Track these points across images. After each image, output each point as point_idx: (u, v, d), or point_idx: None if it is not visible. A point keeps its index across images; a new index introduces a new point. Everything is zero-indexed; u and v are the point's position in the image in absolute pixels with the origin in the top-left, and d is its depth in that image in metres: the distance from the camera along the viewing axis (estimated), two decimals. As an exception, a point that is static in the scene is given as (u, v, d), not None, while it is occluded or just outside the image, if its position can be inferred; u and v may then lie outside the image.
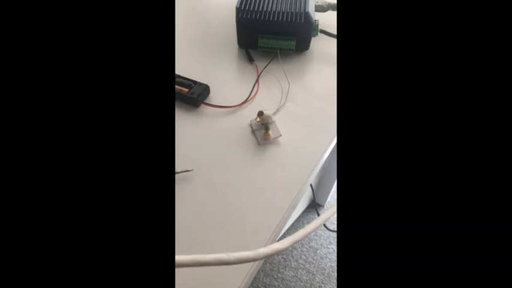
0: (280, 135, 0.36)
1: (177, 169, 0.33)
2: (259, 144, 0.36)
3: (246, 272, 0.27)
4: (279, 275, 0.92)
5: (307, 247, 0.97)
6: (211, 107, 0.40)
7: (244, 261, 0.19)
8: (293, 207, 0.32)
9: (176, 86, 0.40)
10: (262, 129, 0.37)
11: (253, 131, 0.37)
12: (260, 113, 0.36)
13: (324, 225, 0.91)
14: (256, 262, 0.28)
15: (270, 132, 0.36)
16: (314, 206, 1.02)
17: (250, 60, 0.46)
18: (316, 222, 0.23)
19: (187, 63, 0.46)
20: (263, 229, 0.30)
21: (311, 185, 0.81)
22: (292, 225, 1.00)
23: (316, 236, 0.99)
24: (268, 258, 0.95)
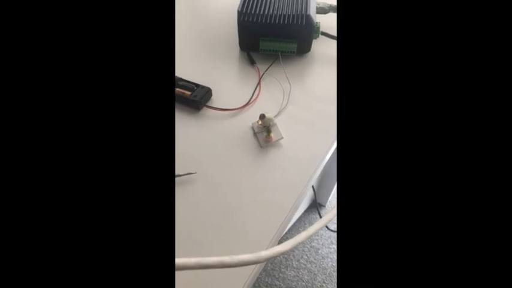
0: (282, 138, 0.37)
1: (179, 172, 0.33)
2: (261, 146, 0.37)
3: (248, 274, 0.27)
4: (280, 274, 0.92)
5: (309, 247, 0.97)
6: (213, 110, 0.40)
7: (246, 264, 0.19)
8: (295, 208, 0.32)
9: (178, 89, 0.41)
10: (264, 132, 0.37)
11: (255, 134, 0.38)
12: (262, 116, 0.36)
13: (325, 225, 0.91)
14: (258, 265, 0.28)
15: (272, 134, 0.37)
16: (315, 206, 1.02)
17: (252, 62, 0.47)
18: (318, 224, 0.23)
19: (190, 66, 0.46)
20: (265, 231, 0.30)
21: (312, 185, 0.81)
22: (294, 225, 1.00)
23: (318, 236, 1.00)
24: (269, 258, 0.95)
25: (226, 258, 0.19)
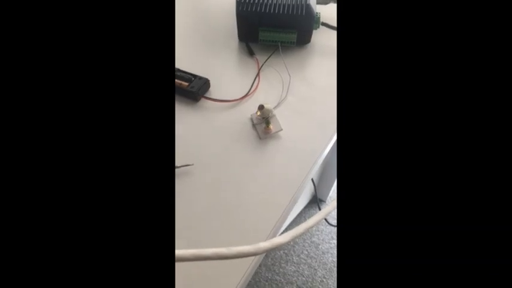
0: (281, 129, 0.36)
1: (177, 163, 0.33)
2: (260, 138, 0.36)
3: (246, 266, 0.27)
4: (280, 269, 0.92)
5: (309, 242, 0.97)
6: (211, 101, 0.39)
7: (244, 255, 0.18)
8: (294, 202, 0.31)
9: (176, 80, 0.40)
10: (263, 123, 0.36)
11: (254, 125, 0.37)
12: (261, 107, 0.35)
13: (326, 220, 0.91)
14: (257, 257, 0.28)
15: (271, 126, 0.36)
16: (316, 201, 1.02)
17: (251, 53, 0.46)
18: (317, 216, 0.22)
19: (187, 56, 0.46)
20: (264, 224, 0.29)
21: (312, 179, 0.81)
22: (294, 220, 1.00)
23: (318, 231, 0.99)
24: (270, 253, 0.95)
25: (224, 250, 0.18)
